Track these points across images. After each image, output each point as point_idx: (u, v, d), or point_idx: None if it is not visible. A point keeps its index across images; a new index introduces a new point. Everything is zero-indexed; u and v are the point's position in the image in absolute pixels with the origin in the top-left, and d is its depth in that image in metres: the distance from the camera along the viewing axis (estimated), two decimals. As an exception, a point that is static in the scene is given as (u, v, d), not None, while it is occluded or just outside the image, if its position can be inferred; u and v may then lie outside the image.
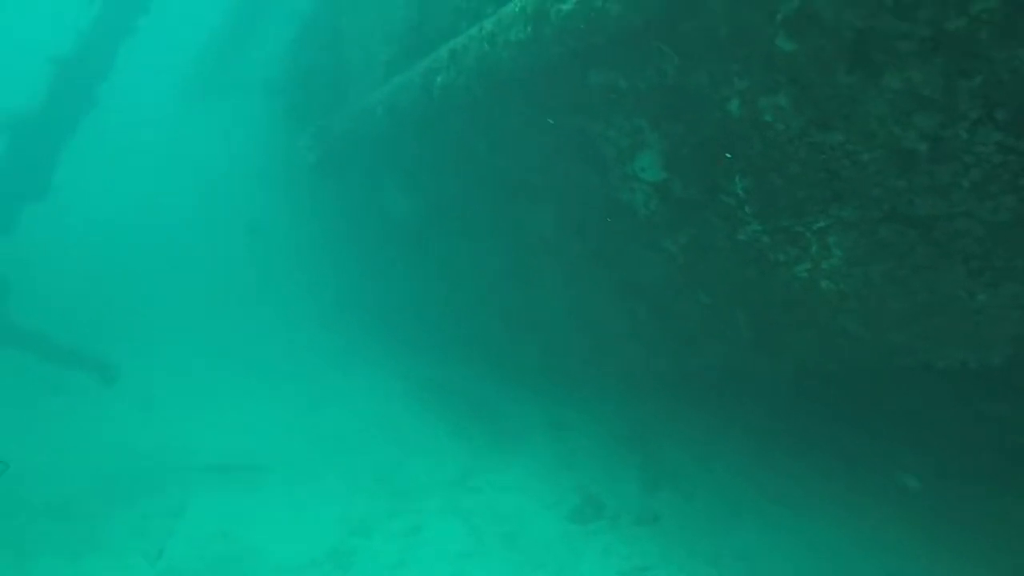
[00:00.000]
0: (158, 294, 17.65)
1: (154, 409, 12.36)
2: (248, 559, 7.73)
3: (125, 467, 10.31)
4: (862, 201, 3.54)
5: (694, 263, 5.29)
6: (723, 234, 4.66)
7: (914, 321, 4.04)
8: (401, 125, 6.70)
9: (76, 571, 7.54)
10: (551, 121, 5.09)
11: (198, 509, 8.91)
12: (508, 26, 4.48)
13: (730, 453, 7.84)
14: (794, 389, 6.77)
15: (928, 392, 6.01)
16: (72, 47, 10.76)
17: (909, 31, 2.72)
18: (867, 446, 6.94)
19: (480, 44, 4.84)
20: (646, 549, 6.79)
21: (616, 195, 5.26)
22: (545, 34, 4.21)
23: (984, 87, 2.71)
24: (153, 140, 24.53)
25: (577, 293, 6.83)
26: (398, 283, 9.81)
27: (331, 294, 14.00)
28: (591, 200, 5.49)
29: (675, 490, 7.70)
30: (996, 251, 3.27)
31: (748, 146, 3.91)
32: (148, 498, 9.34)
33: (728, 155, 4.12)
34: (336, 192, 9.32)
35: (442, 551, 7.20)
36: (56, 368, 11.75)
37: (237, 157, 17.62)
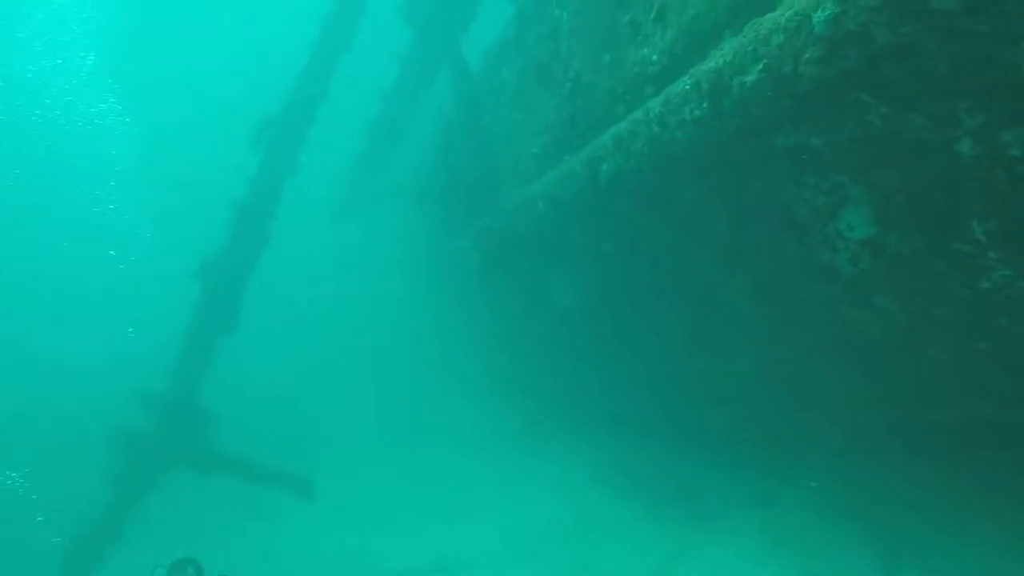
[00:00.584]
0: (346, 405, 18.57)
1: (349, 519, 12.76)
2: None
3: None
4: None
5: (919, 318, 4.72)
6: (960, 284, 4.11)
7: None
8: (565, 215, 6.66)
9: None
10: (734, 192, 4.82)
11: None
12: (680, 105, 4.31)
13: (982, 522, 6.81)
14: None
15: None
16: (245, 192, 11.82)
17: None
18: None
19: (648, 127, 4.70)
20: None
21: (815, 257, 4.85)
22: (725, 107, 4.00)
23: None
24: (318, 261, 26.36)
25: (776, 359, 6.33)
26: (574, 368, 9.64)
27: (505, 385, 14.06)
28: (787, 265, 5.10)
29: (922, 569, 6.75)
30: None
31: (988, 186, 3.44)
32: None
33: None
34: (503, 287, 9.41)
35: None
36: (259, 489, 12.44)
37: (397, 264, 18.50)
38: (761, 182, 4.70)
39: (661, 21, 4.80)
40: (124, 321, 22.44)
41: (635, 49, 5.21)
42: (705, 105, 4.11)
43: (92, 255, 26.64)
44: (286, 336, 23.40)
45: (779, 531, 8.13)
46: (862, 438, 7.06)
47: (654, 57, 4.96)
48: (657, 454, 10.23)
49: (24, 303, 23.82)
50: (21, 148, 27.20)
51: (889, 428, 6.58)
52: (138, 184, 28.62)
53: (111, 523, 11.16)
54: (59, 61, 27.03)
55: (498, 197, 9.07)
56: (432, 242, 12.70)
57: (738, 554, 7.98)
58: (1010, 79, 2.97)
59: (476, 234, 8.16)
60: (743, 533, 8.27)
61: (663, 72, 4.94)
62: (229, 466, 10.98)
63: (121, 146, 28.69)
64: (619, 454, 10.94)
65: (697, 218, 5.44)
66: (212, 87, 29.97)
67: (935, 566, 6.63)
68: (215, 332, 11.94)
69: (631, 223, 6.04)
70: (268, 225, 11.83)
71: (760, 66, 3.57)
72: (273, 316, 21.50)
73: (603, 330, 8.04)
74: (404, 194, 15.21)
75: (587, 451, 11.58)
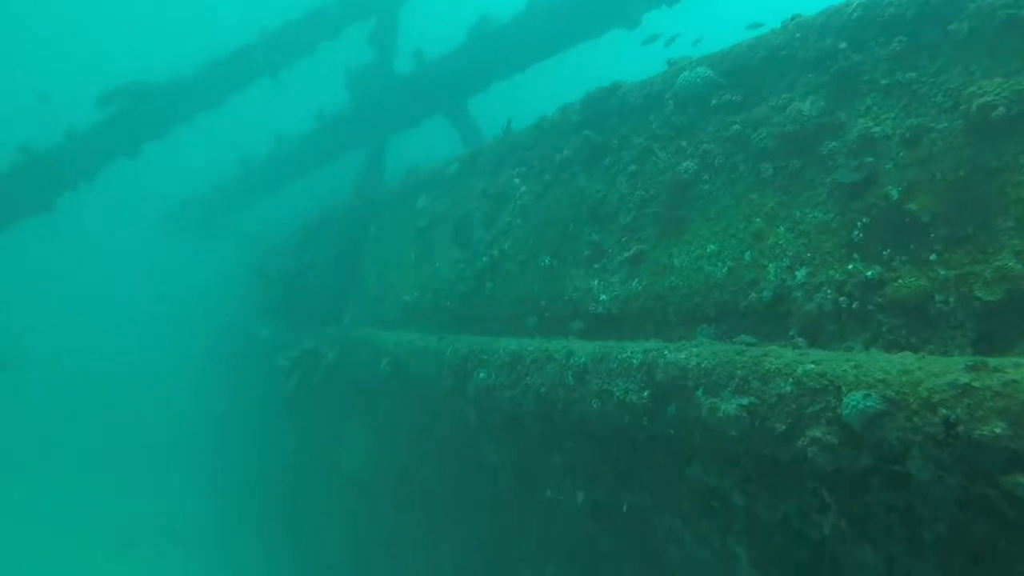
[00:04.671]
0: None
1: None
2: None
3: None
4: None
5: None
6: None
7: None
8: (410, 392, 5.49)
9: None
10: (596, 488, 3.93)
11: None
12: (612, 373, 3.43)
13: None
14: None
15: None
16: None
17: None
18: None
19: (560, 372, 3.77)
20: None
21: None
22: (668, 414, 3.15)
23: None
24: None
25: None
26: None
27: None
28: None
29: None
30: None
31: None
32: None
33: None
34: (302, 419, 7.84)
35: None
36: None
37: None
38: (644, 497, 3.85)
39: (632, 266, 4.05)
40: None
41: (584, 274, 4.42)
42: (646, 395, 3.25)
43: None
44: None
45: None
46: None
47: (603, 298, 4.15)
48: None
49: None
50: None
51: None
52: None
53: None
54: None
55: (340, 323, 7.77)
56: (247, 325, 10.89)
57: None
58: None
59: (301, 356, 6.75)
60: None
61: (604, 320, 4.13)
62: None
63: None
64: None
65: (546, 483, 4.47)
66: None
67: None
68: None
69: (472, 451, 4.98)
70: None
71: (745, 402, 2.78)
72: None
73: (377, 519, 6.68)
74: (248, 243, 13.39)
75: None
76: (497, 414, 4.62)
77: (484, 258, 5.42)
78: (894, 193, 2.90)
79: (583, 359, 3.66)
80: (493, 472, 4.97)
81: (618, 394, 3.38)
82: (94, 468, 15.38)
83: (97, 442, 16.59)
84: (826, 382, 2.57)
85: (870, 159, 3.07)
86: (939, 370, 2.32)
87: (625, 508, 4.02)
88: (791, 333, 3.11)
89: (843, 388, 2.51)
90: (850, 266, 2.99)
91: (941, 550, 2.60)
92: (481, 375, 4.46)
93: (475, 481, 5.33)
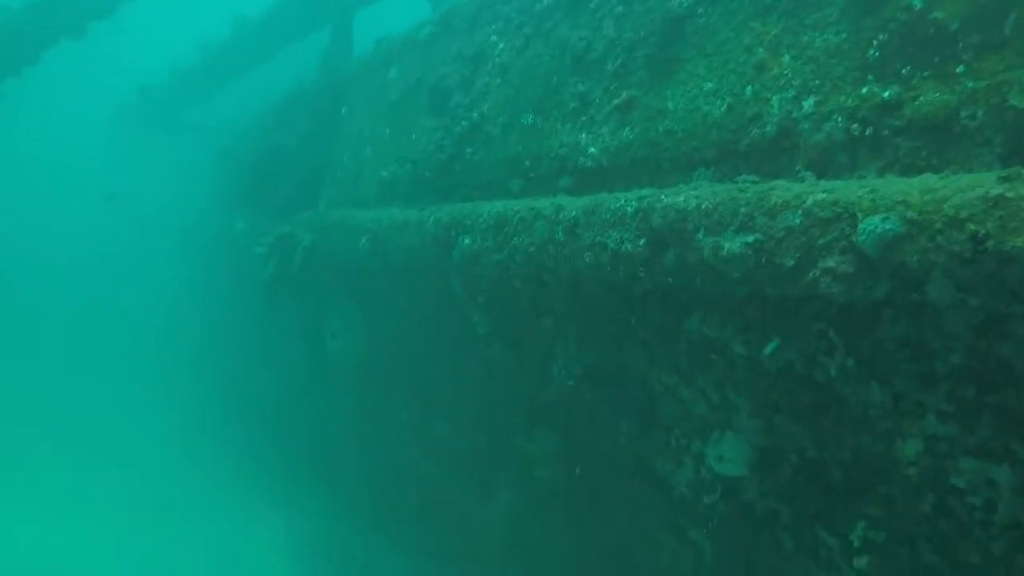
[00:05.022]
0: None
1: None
2: None
3: None
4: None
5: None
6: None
7: None
8: (393, 268, 5.29)
9: None
10: (601, 348, 3.81)
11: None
12: (606, 224, 3.23)
13: None
14: None
15: None
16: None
17: None
18: None
19: (550, 228, 3.57)
20: None
21: (653, 459, 3.96)
22: (667, 262, 2.97)
23: None
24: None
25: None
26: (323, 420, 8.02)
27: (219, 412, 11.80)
28: (614, 451, 4.15)
29: None
30: None
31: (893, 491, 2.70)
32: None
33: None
34: (285, 311, 7.62)
35: None
36: None
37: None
38: (639, 356, 3.74)
39: (621, 115, 3.76)
40: None
41: (570, 128, 4.12)
42: (642, 244, 3.05)
43: None
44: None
45: None
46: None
47: (592, 150, 3.89)
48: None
49: None
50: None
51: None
52: None
53: None
54: None
55: (316, 205, 7.45)
56: (216, 214, 10.48)
57: None
58: None
59: (275, 242, 6.45)
60: None
61: (594, 173, 3.88)
62: None
63: None
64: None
65: (538, 349, 4.36)
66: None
67: None
68: None
69: (461, 323, 4.83)
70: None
71: (751, 239, 2.59)
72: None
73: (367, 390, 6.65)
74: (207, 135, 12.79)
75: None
76: (484, 281, 4.44)
77: (463, 123, 5.08)
78: (917, 2, 2.61)
79: (574, 213, 3.44)
80: (484, 343, 4.85)
81: (612, 245, 3.18)
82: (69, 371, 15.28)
83: (69, 347, 16.45)
84: (840, 210, 2.37)
85: (888, -32, 2.75)
86: (967, 185, 2.12)
87: (620, 369, 3.93)
88: (797, 168, 2.89)
89: (858, 214, 2.32)
90: (864, 89, 2.74)
91: (953, 381, 2.49)
92: (466, 241, 4.24)
93: (465, 354, 5.23)
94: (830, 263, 2.36)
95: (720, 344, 3.29)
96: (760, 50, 3.17)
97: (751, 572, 3.56)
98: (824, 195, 2.45)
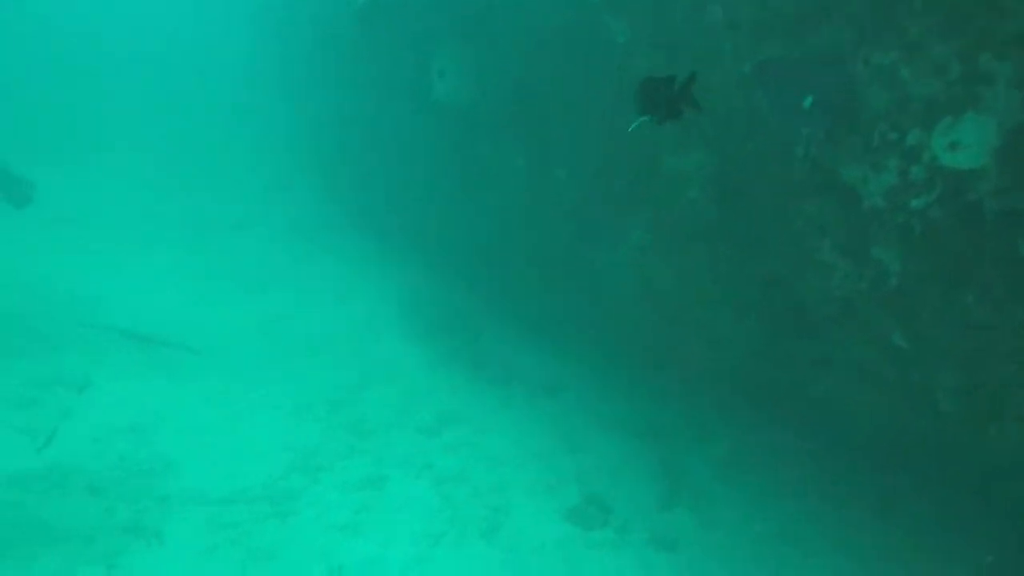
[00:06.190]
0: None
1: (71, 247, 10.19)
2: (160, 473, 6.06)
3: (21, 308, 8.29)
4: None
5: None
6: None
7: None
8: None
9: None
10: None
11: (105, 387, 7.06)
12: None
13: (756, 480, 6.60)
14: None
15: None
16: None
17: None
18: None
19: None
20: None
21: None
22: None
23: None
24: None
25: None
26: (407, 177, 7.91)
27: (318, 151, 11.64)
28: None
29: (695, 511, 6.41)
30: None
31: None
32: (43, 357, 7.44)
33: None
34: (380, 47, 7.12)
35: (406, 525, 5.76)
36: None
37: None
38: (843, 35, 3.26)
39: None
40: None
41: None
42: None
43: None
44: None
45: (565, 431, 7.43)
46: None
47: None
48: (453, 292, 9.07)
49: None
50: None
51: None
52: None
53: None
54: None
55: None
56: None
57: (518, 442, 7.19)
58: None
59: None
60: (528, 420, 7.50)
61: None
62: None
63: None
64: (417, 277, 9.64)
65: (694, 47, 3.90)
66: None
67: (707, 512, 6.32)
68: None
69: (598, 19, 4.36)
70: None
71: None
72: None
73: (464, 144, 6.40)
74: None
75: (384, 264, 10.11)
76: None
77: None
78: None
79: None
80: (624, 51, 4.42)
81: None
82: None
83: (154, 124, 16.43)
84: None
85: None
86: None
87: (805, 59, 3.50)
88: None
89: None
90: None
91: None
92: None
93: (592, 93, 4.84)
94: None
95: None
96: None
97: (954, 288, 3.29)
98: None
